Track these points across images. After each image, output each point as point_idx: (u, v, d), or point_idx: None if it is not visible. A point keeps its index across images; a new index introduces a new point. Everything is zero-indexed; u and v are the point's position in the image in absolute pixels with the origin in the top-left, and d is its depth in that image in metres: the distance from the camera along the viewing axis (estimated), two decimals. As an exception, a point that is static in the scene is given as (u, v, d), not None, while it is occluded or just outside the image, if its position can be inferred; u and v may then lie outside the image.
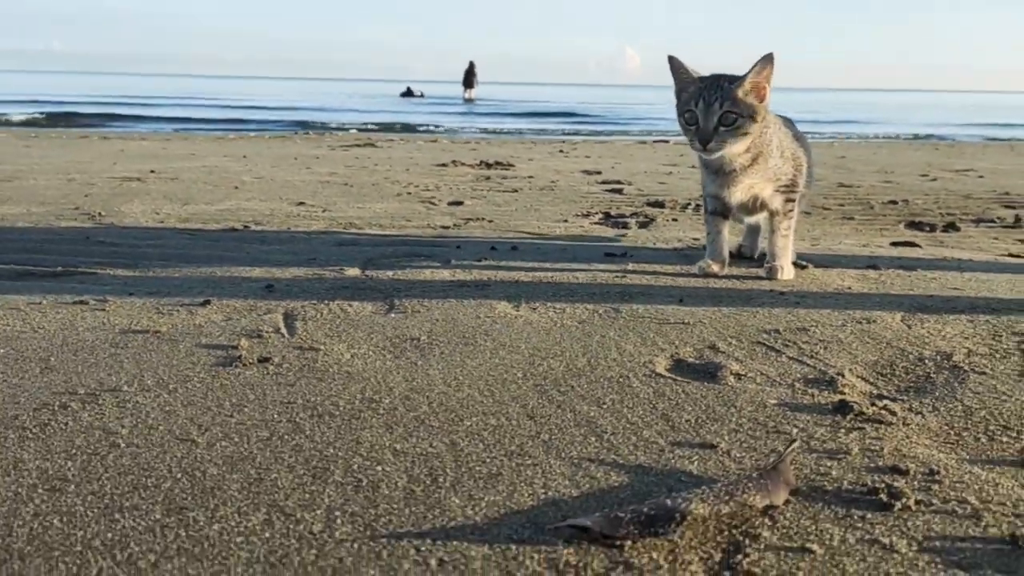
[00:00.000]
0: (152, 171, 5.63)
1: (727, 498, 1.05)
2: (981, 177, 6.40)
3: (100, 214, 3.77)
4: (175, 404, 1.44)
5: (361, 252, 2.96)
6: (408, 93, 34.43)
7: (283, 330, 1.91)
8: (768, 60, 2.30)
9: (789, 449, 1.19)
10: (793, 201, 2.55)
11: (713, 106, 2.26)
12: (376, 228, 3.58)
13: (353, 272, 2.61)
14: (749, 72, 2.30)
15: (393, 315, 2.07)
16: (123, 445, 1.26)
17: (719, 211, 2.57)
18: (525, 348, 1.78)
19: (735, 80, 2.30)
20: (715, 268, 2.61)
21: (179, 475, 1.17)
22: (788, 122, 2.72)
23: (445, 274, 2.58)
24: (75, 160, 6.44)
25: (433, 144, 10.28)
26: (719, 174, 2.46)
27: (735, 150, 2.35)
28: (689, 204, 4.47)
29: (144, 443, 1.27)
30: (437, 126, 16.49)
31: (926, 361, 1.73)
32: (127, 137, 10.49)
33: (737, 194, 2.49)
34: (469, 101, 28.90)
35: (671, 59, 2.42)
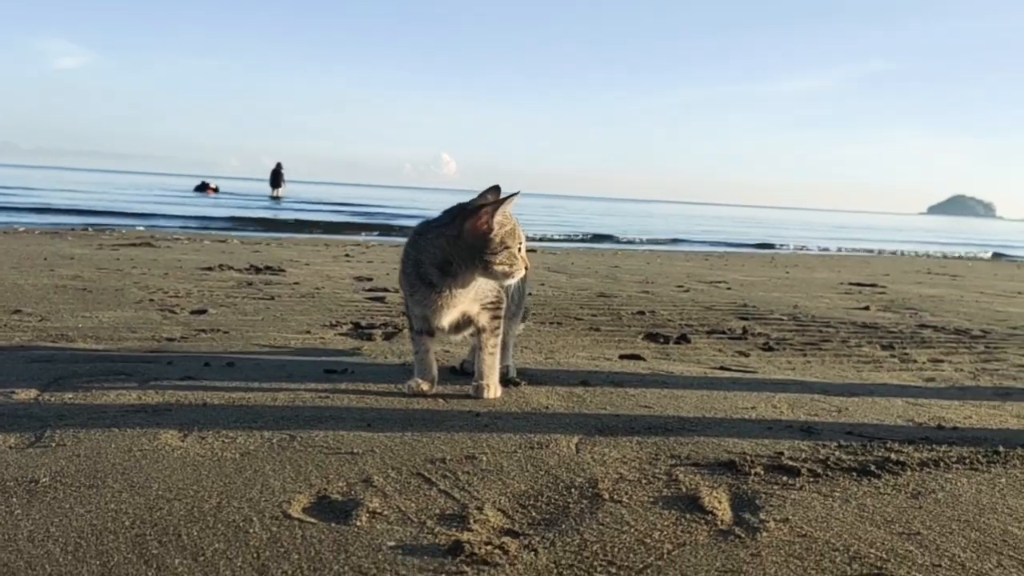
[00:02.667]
0: None
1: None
2: (729, 288, 6.94)
3: None
4: None
5: (51, 371, 2.71)
6: (202, 187, 33.77)
7: None
8: (513, 196, 2.41)
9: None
10: (499, 319, 2.59)
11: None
12: (91, 341, 3.31)
13: (25, 396, 2.37)
14: (503, 205, 2.39)
15: (32, 450, 1.87)
16: None
17: (426, 330, 2.57)
18: (156, 489, 1.64)
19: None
20: (424, 387, 2.59)
21: None
22: None
23: (131, 397, 2.40)
24: None
25: (219, 244, 9.93)
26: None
27: None
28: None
29: None
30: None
31: (572, 490, 1.75)
32: None
33: (448, 316, 2.50)
34: (276, 199, 28.64)
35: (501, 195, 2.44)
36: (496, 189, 2.44)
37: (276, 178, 29.74)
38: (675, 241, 19.80)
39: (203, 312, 4.19)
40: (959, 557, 1.49)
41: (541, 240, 16.88)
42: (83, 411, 2.22)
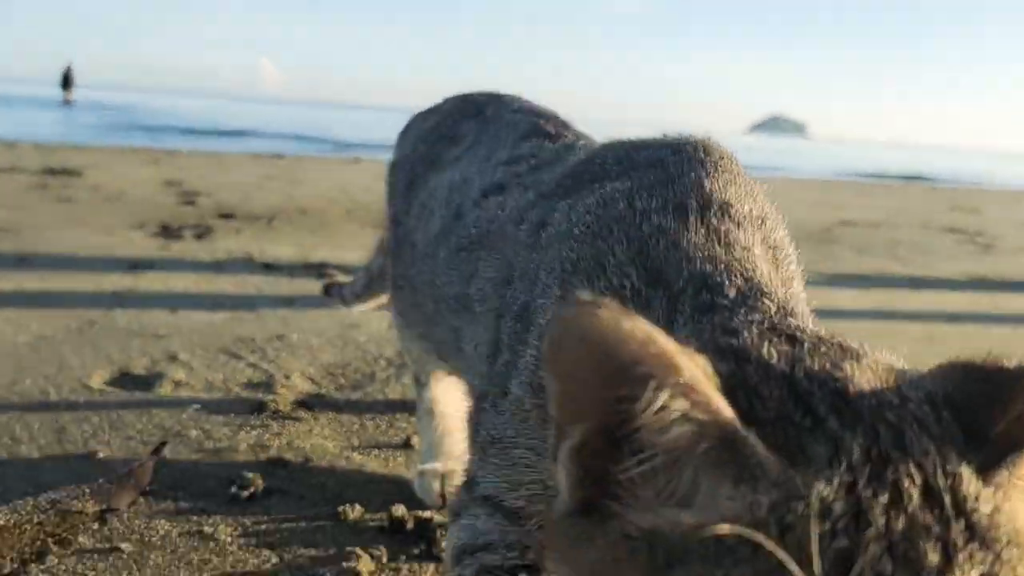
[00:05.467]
0: None
1: (47, 507, 0.99)
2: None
3: None
4: None
5: None
6: None
7: None
8: None
9: (149, 456, 1.17)
10: None
11: None
12: None
13: None
14: None
15: None
16: None
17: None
18: (-60, 368, 1.58)
19: None
20: None
21: None
22: None
23: (-95, 290, 2.23)
24: None
25: (6, 151, 9.06)
26: None
27: None
28: (262, 217, 4.40)
29: None
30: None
31: (380, 360, 1.84)
32: None
33: None
34: (68, 103, 26.30)
35: None
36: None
37: (66, 80, 27.24)
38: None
39: (-11, 213, 3.88)
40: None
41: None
42: None
